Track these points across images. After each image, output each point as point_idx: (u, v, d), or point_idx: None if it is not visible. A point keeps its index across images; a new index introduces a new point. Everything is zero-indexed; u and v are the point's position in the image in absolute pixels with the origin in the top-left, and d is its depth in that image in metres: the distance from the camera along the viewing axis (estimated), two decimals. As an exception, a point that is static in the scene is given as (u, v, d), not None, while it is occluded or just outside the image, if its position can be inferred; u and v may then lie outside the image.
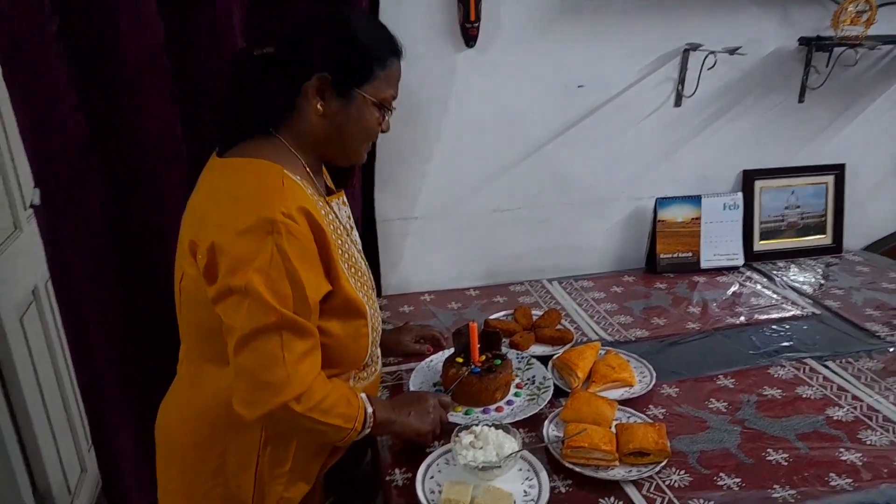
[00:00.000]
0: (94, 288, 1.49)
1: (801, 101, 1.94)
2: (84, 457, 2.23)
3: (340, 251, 1.07)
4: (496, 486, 1.07)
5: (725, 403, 1.32)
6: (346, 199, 1.21)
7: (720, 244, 1.95)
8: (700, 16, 1.78)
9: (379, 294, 1.85)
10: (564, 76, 1.78)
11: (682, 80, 1.85)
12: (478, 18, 1.64)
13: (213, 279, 0.97)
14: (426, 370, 1.42)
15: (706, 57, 1.77)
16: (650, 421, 1.24)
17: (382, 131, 1.13)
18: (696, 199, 1.94)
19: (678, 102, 1.88)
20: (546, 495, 1.06)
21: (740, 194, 1.96)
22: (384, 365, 1.47)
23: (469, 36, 1.66)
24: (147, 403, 1.59)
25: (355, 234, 1.19)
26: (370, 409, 1.09)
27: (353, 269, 1.10)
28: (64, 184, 1.42)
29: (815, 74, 1.90)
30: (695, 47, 1.79)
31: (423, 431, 1.16)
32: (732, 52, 1.72)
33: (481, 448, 1.12)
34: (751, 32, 1.81)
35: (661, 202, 1.93)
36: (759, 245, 2.02)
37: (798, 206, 2.05)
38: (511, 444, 1.13)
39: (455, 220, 1.87)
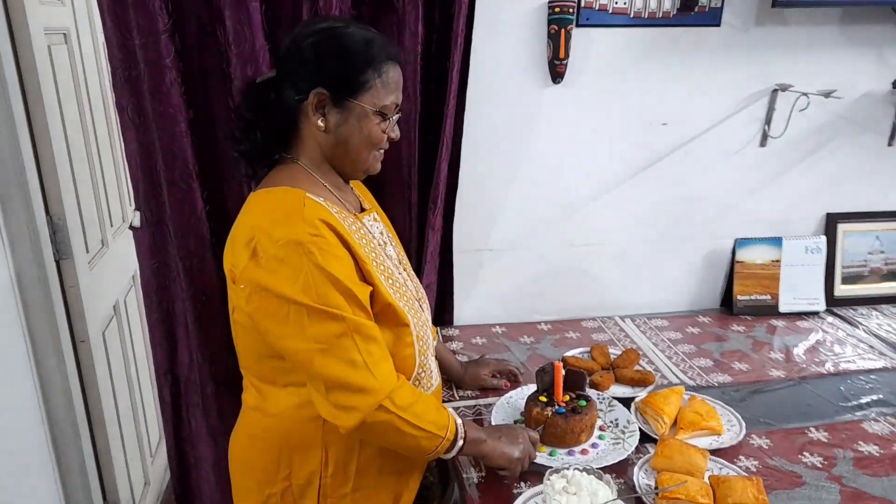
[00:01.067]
0: (190, 304, 1.53)
1: (890, 144, 1.89)
2: (147, 469, 2.27)
3: (374, 262, 1.09)
4: (590, 534, 1.05)
5: (820, 458, 1.28)
6: (377, 216, 1.23)
7: (800, 288, 1.90)
8: (791, 55, 1.76)
9: (451, 323, 1.85)
10: (649, 113, 1.78)
11: (768, 121, 1.82)
12: (567, 56, 1.65)
13: (262, 308, 1.00)
14: (507, 406, 1.41)
15: (798, 98, 1.74)
16: (745, 474, 1.20)
17: (391, 139, 1.13)
18: (776, 241, 1.90)
19: (763, 143, 1.85)
20: (642, 547, 1.03)
21: (823, 238, 1.91)
22: (463, 398, 1.48)
23: (556, 73, 1.68)
24: (224, 425, 1.64)
25: (390, 250, 1.20)
26: (459, 421, 1.10)
27: (390, 280, 1.11)
28: (170, 207, 1.47)
29: (906, 118, 1.85)
30: (784, 88, 1.76)
31: (514, 458, 1.16)
32: (827, 95, 1.69)
33: (574, 494, 1.10)
34: (843, 73, 1.78)
35: (741, 243, 1.89)
36: (841, 290, 1.96)
37: (882, 252, 1.99)
38: (605, 491, 1.11)
39: (529, 252, 1.87)
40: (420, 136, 1.60)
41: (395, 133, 1.14)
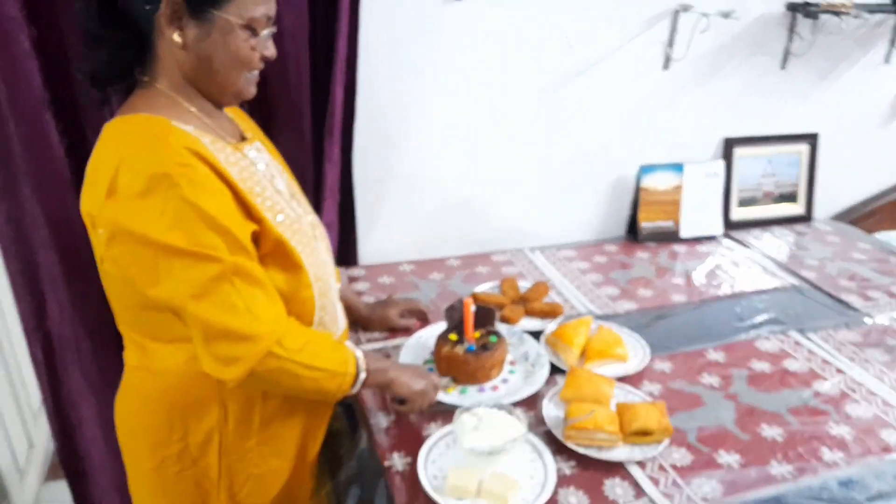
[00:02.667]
0: (55, 251, 1.36)
1: (783, 67, 1.92)
2: (31, 431, 2.09)
3: (259, 197, 0.98)
4: (501, 470, 1.03)
5: (718, 378, 1.32)
6: (262, 146, 1.10)
7: (700, 213, 1.95)
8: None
9: (356, 262, 1.76)
10: (552, 35, 1.70)
11: (671, 43, 1.79)
12: (467, -30, 1.53)
13: (120, 255, 0.89)
14: (416, 346, 1.36)
15: (699, 19, 1.72)
16: (650, 399, 1.23)
17: (265, 58, 0.99)
18: (678, 167, 1.91)
19: (667, 66, 1.83)
20: (553, 478, 1.03)
21: (722, 162, 1.94)
22: (371, 341, 1.41)
23: (457, -11, 1.55)
24: (106, 381, 1.50)
25: (279, 183, 1.08)
26: (360, 353, 1.03)
27: (280, 216, 1.01)
28: (20, 142, 1.27)
29: (799, 41, 1.88)
30: (686, 8, 1.73)
31: (415, 389, 1.11)
32: (727, 15, 1.67)
33: (485, 431, 1.07)
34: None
35: (645, 169, 1.90)
36: (736, 213, 2.03)
37: (773, 175, 2.06)
38: (515, 426, 1.09)
39: (434, 184, 1.79)
40: (311, 56, 1.45)
41: (270, 51, 0.99)
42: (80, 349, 1.45)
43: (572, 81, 1.78)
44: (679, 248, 1.90)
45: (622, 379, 1.29)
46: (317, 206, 1.60)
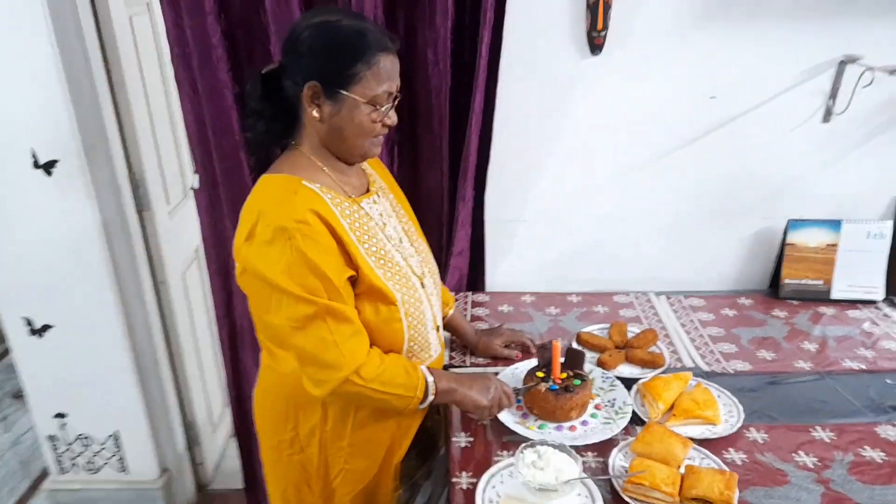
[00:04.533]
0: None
1: (979, 122, 1.69)
2: (226, 395, 2.58)
3: (365, 245, 1.18)
4: (551, 506, 1.13)
5: (815, 459, 1.25)
6: (380, 196, 1.30)
7: (858, 275, 1.78)
8: (862, 24, 1.60)
9: (483, 289, 1.92)
10: (701, 85, 1.70)
11: (833, 95, 1.68)
12: (605, 27, 1.61)
13: (249, 287, 1.14)
14: (510, 377, 1.48)
15: (863, 73, 1.59)
16: (724, 468, 1.22)
17: (386, 125, 1.18)
18: (834, 224, 1.78)
19: (826, 118, 1.71)
20: (599, 525, 1.10)
21: (890, 223, 1.76)
22: (473, 365, 1.56)
23: (595, 45, 1.64)
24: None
25: (391, 230, 1.27)
26: (430, 378, 1.21)
27: (381, 260, 1.20)
28: (221, 171, 1.64)
29: None
30: (853, 60, 1.62)
31: (481, 405, 1.26)
32: (893, 71, 1.53)
33: (542, 469, 1.17)
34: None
35: (793, 224, 1.79)
36: (908, 280, 1.81)
37: (964, 240, 1.80)
38: (572, 469, 1.17)
39: (566, 224, 1.88)
40: (451, 108, 1.65)
41: (392, 120, 1.20)
42: (254, 337, 1.80)
43: (721, 129, 1.75)
44: (826, 310, 1.77)
45: (705, 443, 1.28)
46: (449, 237, 1.80)
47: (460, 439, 1.33)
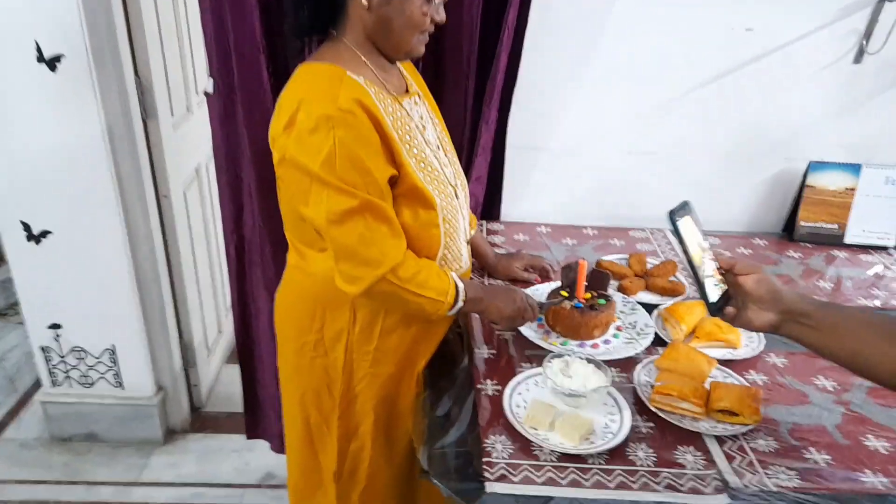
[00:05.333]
0: (253, 170, 1.65)
1: None
2: (222, 321, 2.54)
3: (407, 145, 1.14)
4: (579, 413, 1.12)
5: (834, 383, 1.27)
6: (420, 99, 1.26)
7: (873, 220, 1.79)
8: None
9: (498, 218, 1.90)
10: (732, 17, 1.66)
11: (868, 35, 1.66)
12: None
13: (286, 177, 1.10)
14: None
15: (901, 10, 1.58)
16: (747, 384, 1.23)
17: (435, 21, 1.15)
18: (854, 168, 1.78)
19: (858, 59, 1.70)
20: (626, 431, 1.10)
21: (909, 169, 1.77)
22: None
23: (631, -35, 1.59)
24: (279, 282, 1.81)
25: (430, 134, 1.24)
26: (461, 285, 1.19)
27: (422, 163, 1.17)
28: (238, 77, 1.56)
29: None
30: (891, -2, 1.60)
31: (506, 314, 1.25)
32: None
33: (570, 377, 1.17)
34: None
35: (814, 166, 1.79)
36: (920, 228, 1.83)
37: (978, 190, 1.82)
38: (599, 379, 1.17)
39: (587, 157, 1.85)
40: (482, 22, 1.59)
41: (440, 16, 1.15)
42: (263, 252, 1.76)
43: (749, 66, 1.73)
44: (839, 253, 1.78)
45: (727, 364, 1.29)
46: (469, 161, 1.76)
47: (483, 351, 1.31)
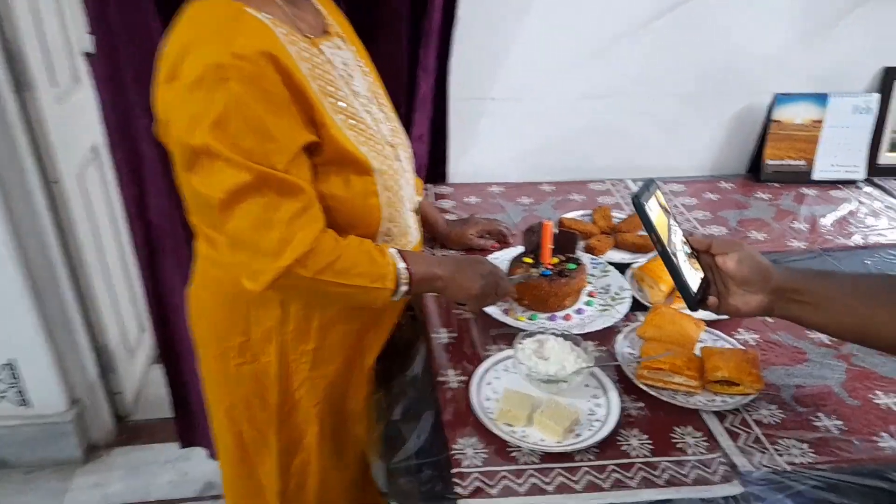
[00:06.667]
0: (153, 142, 1.40)
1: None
2: (143, 318, 2.27)
3: (331, 99, 0.92)
4: (559, 401, 0.96)
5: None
6: (343, 42, 1.04)
7: (840, 153, 1.69)
8: None
9: (444, 180, 1.70)
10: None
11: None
12: None
13: (173, 144, 0.87)
14: (490, 266, 1.29)
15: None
16: (741, 347, 1.09)
17: None
18: (821, 98, 1.66)
19: (820, -21, 1.56)
20: (615, 417, 0.94)
21: (876, 95, 1.66)
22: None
23: None
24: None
25: (358, 83, 1.02)
26: (402, 265, 0.96)
27: (351, 120, 0.95)
28: (122, 29, 1.29)
29: None
30: None
31: (474, 292, 1.03)
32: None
33: (545, 359, 1.00)
34: None
35: (780, 99, 1.66)
36: (886, 158, 1.74)
37: (942, 116, 1.73)
38: (579, 358, 1.00)
39: (537, 104, 1.67)
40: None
41: None
42: (176, 238, 1.51)
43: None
44: (808, 191, 1.67)
45: (714, 325, 1.15)
46: (408, 117, 1.55)
47: (441, 336, 1.13)
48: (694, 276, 0.90)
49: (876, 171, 1.73)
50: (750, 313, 0.89)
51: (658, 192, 0.90)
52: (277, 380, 1.06)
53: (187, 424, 1.78)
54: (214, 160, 0.83)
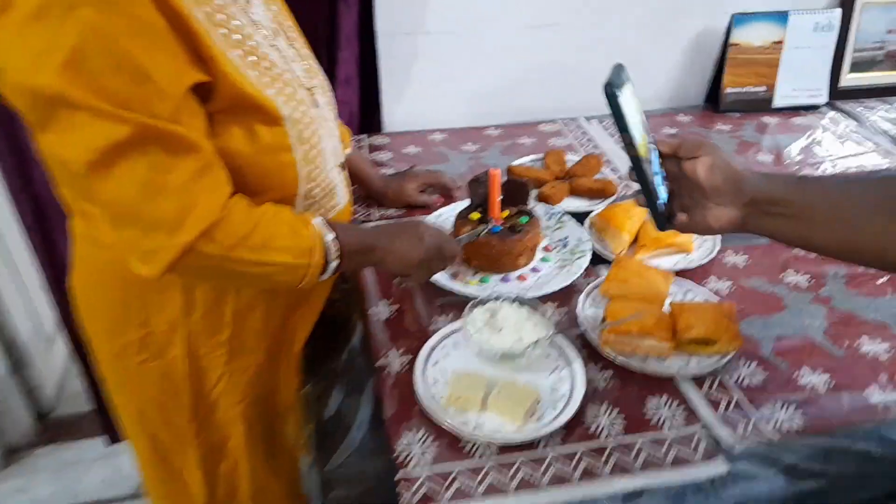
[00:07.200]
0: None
1: None
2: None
3: (222, 30, 0.73)
4: (516, 379, 0.84)
5: (807, 276, 1.05)
6: None
7: (803, 77, 1.58)
8: None
9: (379, 129, 1.53)
10: None
11: None
12: None
13: (15, 97, 0.66)
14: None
15: None
16: (715, 299, 0.98)
17: None
18: (781, 17, 1.53)
19: None
20: (581, 391, 0.82)
21: (838, 11, 1.54)
22: (384, 219, 1.20)
23: None
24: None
25: (259, 11, 0.83)
26: (330, 236, 0.80)
27: (252, 56, 0.77)
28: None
29: None
30: None
31: (415, 260, 0.88)
32: None
33: (499, 331, 0.87)
34: None
35: (738, 19, 1.52)
36: (847, 79, 1.64)
37: (903, 31, 1.64)
38: (539, 325, 0.88)
39: (476, 38, 1.49)
40: None
41: None
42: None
43: None
44: (770, 120, 1.56)
45: (682, 273, 1.04)
46: (331, 57, 1.36)
47: (380, 310, 0.98)
48: (664, 190, 0.76)
49: (837, 95, 1.63)
50: (721, 230, 0.76)
51: (631, 81, 0.75)
52: (188, 377, 0.90)
53: (111, 417, 1.61)
54: (74, 112, 0.64)
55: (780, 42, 1.54)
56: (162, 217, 0.68)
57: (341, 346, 0.94)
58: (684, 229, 0.78)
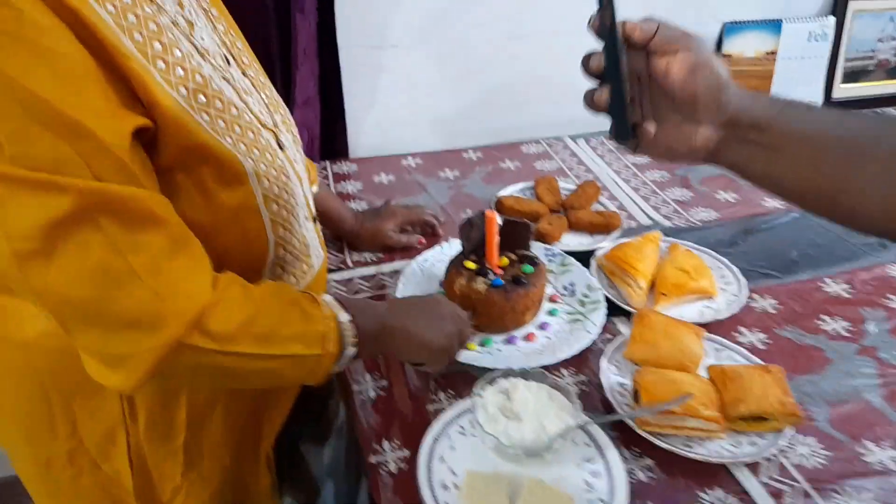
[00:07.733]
0: None
1: None
2: None
3: (161, 63, 0.55)
4: (542, 477, 0.68)
5: (845, 323, 0.94)
6: None
7: (797, 86, 1.49)
8: None
9: (345, 155, 1.36)
10: None
11: None
12: None
13: None
14: (418, 275, 0.98)
15: None
16: (758, 361, 0.85)
17: None
18: (774, 25, 1.43)
19: None
20: (622, 489, 0.68)
21: (832, 19, 1.45)
22: (358, 265, 1.04)
23: None
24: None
25: (205, 37, 0.65)
26: (345, 317, 0.65)
27: (200, 95, 0.59)
28: None
29: None
30: None
31: (435, 346, 0.73)
32: None
33: (518, 420, 0.71)
34: None
35: (730, 28, 1.42)
36: (841, 89, 1.55)
37: (894, 39, 1.56)
38: (563, 409, 0.73)
39: (448, 49, 1.34)
40: None
41: None
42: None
43: None
44: (766, 136, 1.46)
45: (708, 325, 0.91)
46: (286, 76, 1.18)
47: (366, 387, 0.82)
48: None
49: (830, 106, 1.54)
50: (689, 154, 0.57)
51: None
52: (135, 492, 0.71)
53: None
54: None
55: (773, 53, 1.45)
56: (132, 312, 0.51)
57: (322, 436, 0.76)
58: (645, 147, 0.58)
